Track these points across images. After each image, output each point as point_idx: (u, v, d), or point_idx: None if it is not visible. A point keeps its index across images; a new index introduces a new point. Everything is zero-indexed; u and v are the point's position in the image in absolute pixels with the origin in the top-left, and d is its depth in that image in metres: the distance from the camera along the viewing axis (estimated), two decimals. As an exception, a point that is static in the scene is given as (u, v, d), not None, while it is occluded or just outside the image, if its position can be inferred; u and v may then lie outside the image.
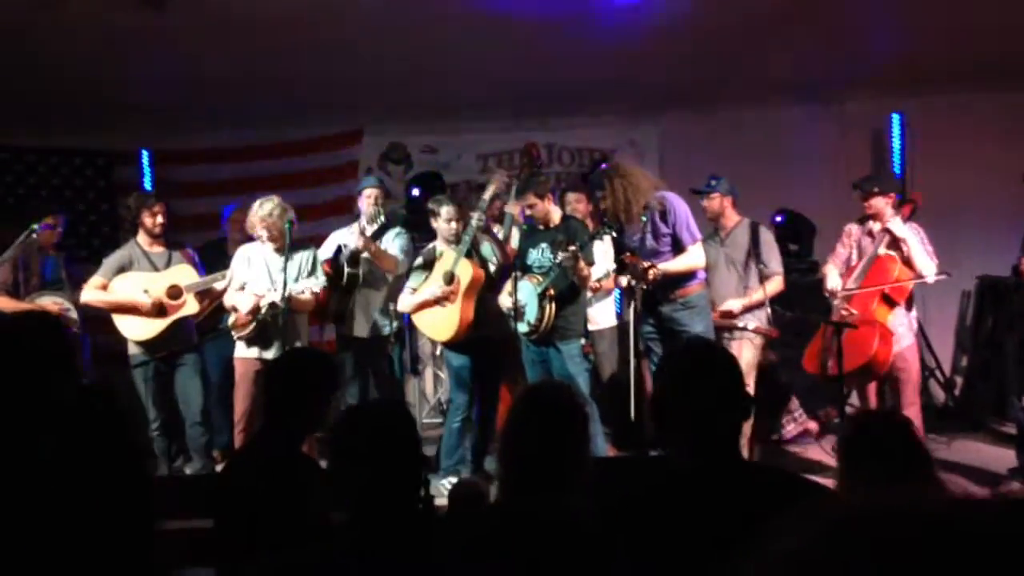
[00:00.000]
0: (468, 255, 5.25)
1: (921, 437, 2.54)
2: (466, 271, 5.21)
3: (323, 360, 3.13)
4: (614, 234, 5.05)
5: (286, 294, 5.05)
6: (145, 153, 7.85)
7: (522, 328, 5.15)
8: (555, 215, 5.36)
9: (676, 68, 6.75)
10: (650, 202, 4.92)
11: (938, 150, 6.64)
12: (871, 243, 5.35)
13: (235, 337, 5.28)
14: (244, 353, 5.28)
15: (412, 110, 7.56)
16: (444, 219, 5.30)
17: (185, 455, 5.81)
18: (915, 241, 5.18)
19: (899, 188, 5.38)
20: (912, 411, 5.00)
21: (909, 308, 5.33)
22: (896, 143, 7.24)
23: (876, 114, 7.28)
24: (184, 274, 5.48)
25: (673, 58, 6.56)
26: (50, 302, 5.44)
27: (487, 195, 5.43)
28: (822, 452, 5.52)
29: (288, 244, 5.24)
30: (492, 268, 5.38)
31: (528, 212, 5.45)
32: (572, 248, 4.83)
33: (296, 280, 5.22)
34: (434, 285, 5.28)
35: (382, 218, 5.64)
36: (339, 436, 2.02)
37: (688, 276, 4.98)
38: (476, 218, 5.29)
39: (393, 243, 5.68)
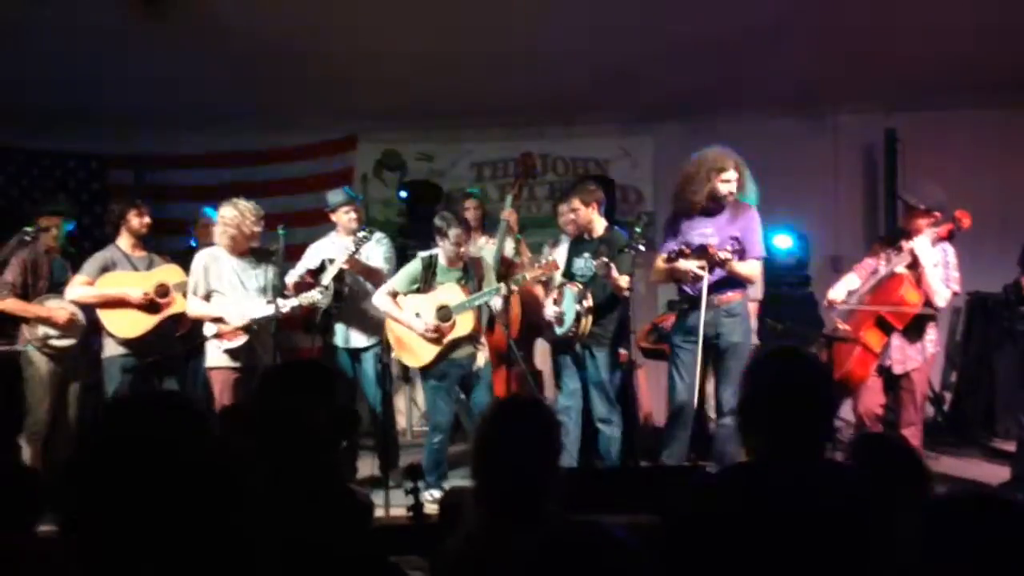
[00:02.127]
0: (464, 282, 5.23)
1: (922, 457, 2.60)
2: (467, 324, 5.16)
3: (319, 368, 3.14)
4: (642, 247, 5.14)
5: (286, 306, 5.06)
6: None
7: (559, 331, 5.28)
8: (599, 225, 5.39)
9: (671, 80, 6.78)
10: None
11: (928, 165, 6.66)
12: (896, 256, 5.02)
13: (222, 348, 5.18)
14: (226, 363, 5.18)
15: (408, 117, 7.57)
16: (452, 242, 5.21)
17: None
18: (931, 265, 4.83)
19: (942, 206, 4.89)
20: (910, 431, 4.91)
21: (922, 332, 4.95)
22: (887, 158, 7.27)
23: (868, 128, 7.32)
24: (170, 274, 5.43)
25: (668, 70, 6.59)
26: (58, 306, 5.37)
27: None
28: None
29: (281, 252, 5.23)
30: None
31: (570, 216, 5.47)
32: (604, 258, 4.97)
33: (264, 291, 5.20)
34: (422, 315, 5.19)
35: (363, 233, 5.48)
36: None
37: (735, 283, 4.92)
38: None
39: (376, 251, 5.63)
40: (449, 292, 5.20)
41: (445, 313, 5.13)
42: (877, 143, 7.33)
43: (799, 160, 7.22)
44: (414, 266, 5.37)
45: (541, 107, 7.28)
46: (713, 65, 6.54)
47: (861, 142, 7.43)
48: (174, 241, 6.78)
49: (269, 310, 5.09)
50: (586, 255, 5.34)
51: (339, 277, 5.45)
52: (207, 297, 5.20)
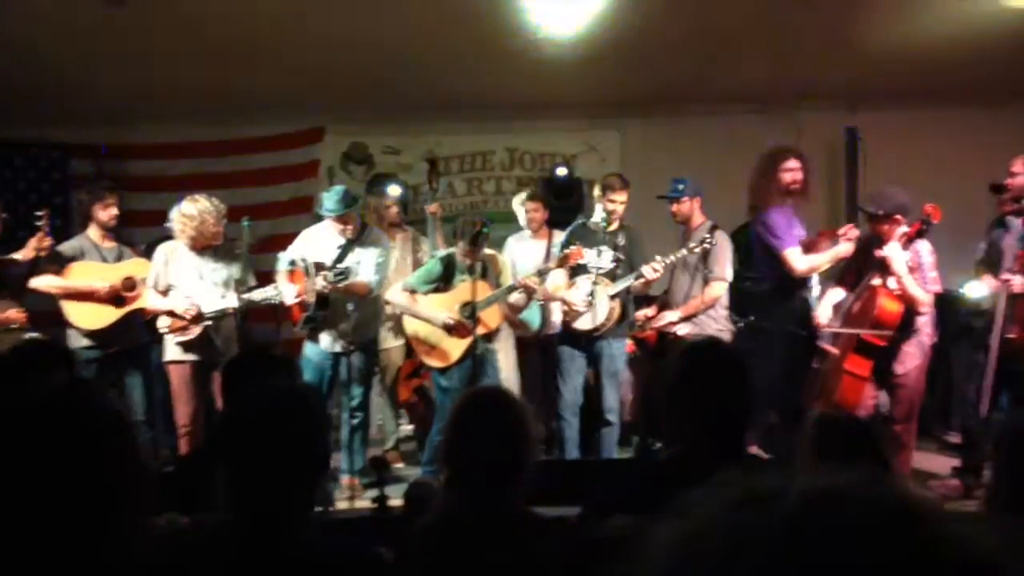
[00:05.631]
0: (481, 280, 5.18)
1: (881, 441, 2.61)
2: (493, 320, 5.24)
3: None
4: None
5: (246, 299, 5.02)
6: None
7: (585, 325, 5.29)
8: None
9: (638, 75, 6.84)
10: None
11: (888, 163, 6.78)
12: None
13: (174, 341, 5.15)
14: (181, 356, 5.16)
15: (375, 110, 7.55)
16: (460, 253, 5.25)
17: None
18: (905, 272, 4.70)
19: (902, 207, 4.79)
20: (900, 427, 4.88)
21: (915, 328, 4.86)
22: (848, 156, 7.38)
23: (829, 127, 7.42)
24: (139, 267, 5.39)
25: (635, 65, 6.64)
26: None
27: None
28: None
29: (246, 244, 5.19)
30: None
31: (614, 206, 5.44)
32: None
33: (226, 285, 5.16)
34: (444, 310, 5.22)
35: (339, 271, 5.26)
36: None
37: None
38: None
39: (368, 255, 5.43)
40: (468, 288, 5.10)
41: (469, 309, 5.09)
42: (839, 141, 7.44)
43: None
44: (433, 265, 5.38)
45: (508, 102, 7.30)
46: (678, 62, 6.60)
47: (823, 140, 7.53)
48: (137, 233, 6.69)
49: (224, 304, 5.06)
50: (601, 248, 5.37)
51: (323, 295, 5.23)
52: (166, 291, 5.16)
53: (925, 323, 4.88)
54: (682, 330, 5.34)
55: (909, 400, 4.89)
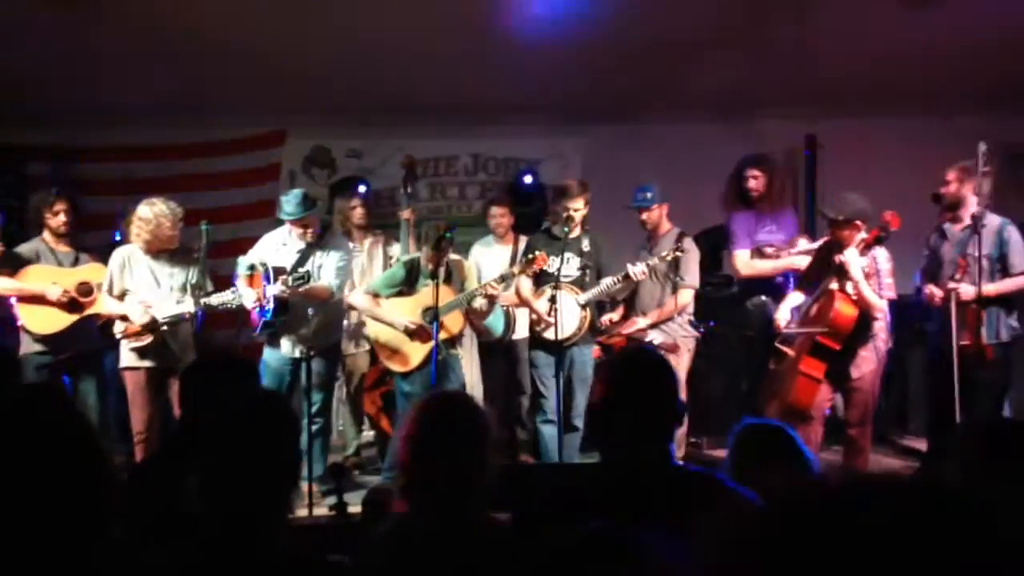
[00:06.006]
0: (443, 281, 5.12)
1: (806, 448, 2.70)
2: (455, 324, 5.20)
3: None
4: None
5: (204, 304, 4.95)
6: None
7: (562, 335, 5.21)
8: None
9: (601, 81, 6.87)
10: None
11: (847, 171, 6.87)
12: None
13: (129, 347, 5.08)
14: (136, 363, 5.09)
15: (338, 114, 7.50)
16: (424, 257, 5.22)
17: None
18: (862, 277, 4.77)
19: (862, 213, 4.85)
20: (856, 431, 4.95)
21: (870, 332, 4.92)
22: (807, 163, 7.47)
23: (790, 134, 7.51)
24: (95, 273, 5.32)
25: (598, 71, 6.68)
26: None
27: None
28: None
29: (204, 247, 5.12)
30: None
31: (570, 212, 5.46)
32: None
33: (183, 289, 5.09)
34: (407, 314, 5.21)
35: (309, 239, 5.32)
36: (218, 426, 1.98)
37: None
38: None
39: (330, 259, 5.37)
40: (431, 292, 5.04)
41: (431, 314, 5.06)
42: (798, 148, 7.53)
43: (726, 164, 7.36)
44: (396, 269, 5.36)
45: (471, 106, 7.28)
46: (641, 70, 6.64)
47: (783, 147, 7.61)
48: (95, 236, 6.59)
49: (180, 309, 5.00)
50: (567, 255, 5.34)
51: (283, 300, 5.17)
52: (122, 296, 5.08)
53: (881, 328, 4.96)
54: (653, 336, 5.39)
55: (864, 404, 4.96)
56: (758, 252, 5.80)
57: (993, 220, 5.01)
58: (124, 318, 5.07)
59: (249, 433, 1.91)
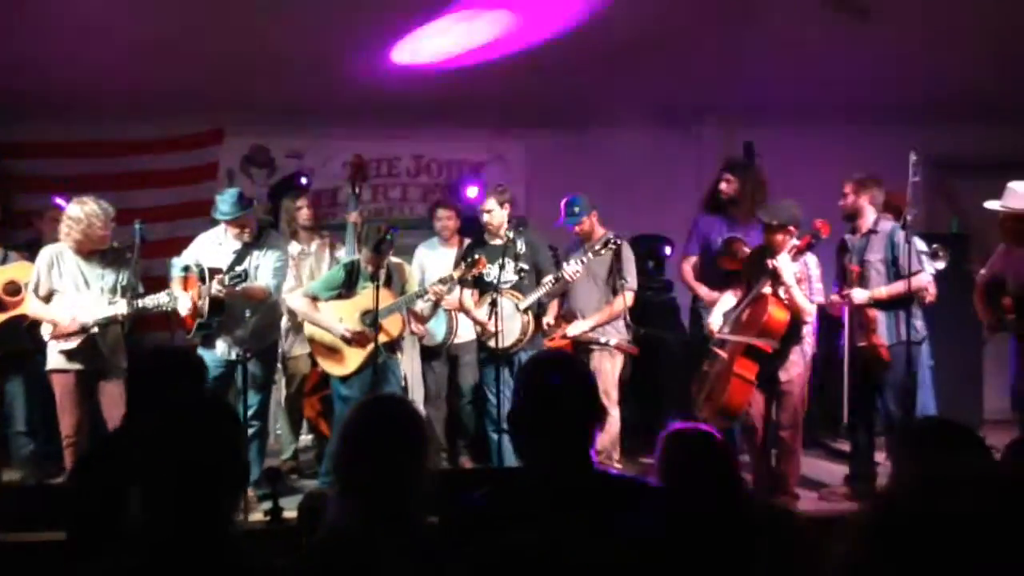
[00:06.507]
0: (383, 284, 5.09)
1: (732, 455, 2.79)
2: (394, 328, 5.16)
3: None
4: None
5: (137, 306, 4.84)
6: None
7: (505, 343, 5.21)
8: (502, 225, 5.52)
9: (543, 87, 6.90)
10: None
11: (781, 179, 7.01)
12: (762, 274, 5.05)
13: (57, 350, 4.94)
14: (64, 365, 4.96)
15: (277, 113, 7.41)
16: (364, 259, 5.18)
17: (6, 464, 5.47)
18: (794, 282, 4.90)
19: (795, 219, 5.01)
20: (787, 434, 5.07)
21: (798, 336, 5.05)
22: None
23: (728, 141, 7.62)
24: (23, 271, 5.17)
25: (540, 77, 6.71)
26: None
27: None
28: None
29: (138, 248, 5.01)
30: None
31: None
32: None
33: (113, 291, 4.98)
34: (344, 320, 5.15)
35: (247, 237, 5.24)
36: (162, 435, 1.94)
37: None
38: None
39: (267, 259, 5.28)
40: (370, 295, 4.98)
41: (370, 317, 5.00)
42: (736, 155, 7.65)
43: (666, 170, 7.46)
44: (336, 272, 5.30)
45: (411, 107, 7.25)
46: (583, 75, 6.70)
47: (721, 154, 7.72)
48: (29, 234, 6.41)
49: (112, 311, 4.88)
50: (504, 261, 5.30)
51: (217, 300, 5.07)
52: (49, 296, 4.95)
53: (808, 332, 5.12)
54: (610, 338, 5.46)
55: (794, 407, 5.11)
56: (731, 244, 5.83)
57: (885, 226, 5.28)
58: (51, 321, 4.93)
59: (195, 437, 1.88)
